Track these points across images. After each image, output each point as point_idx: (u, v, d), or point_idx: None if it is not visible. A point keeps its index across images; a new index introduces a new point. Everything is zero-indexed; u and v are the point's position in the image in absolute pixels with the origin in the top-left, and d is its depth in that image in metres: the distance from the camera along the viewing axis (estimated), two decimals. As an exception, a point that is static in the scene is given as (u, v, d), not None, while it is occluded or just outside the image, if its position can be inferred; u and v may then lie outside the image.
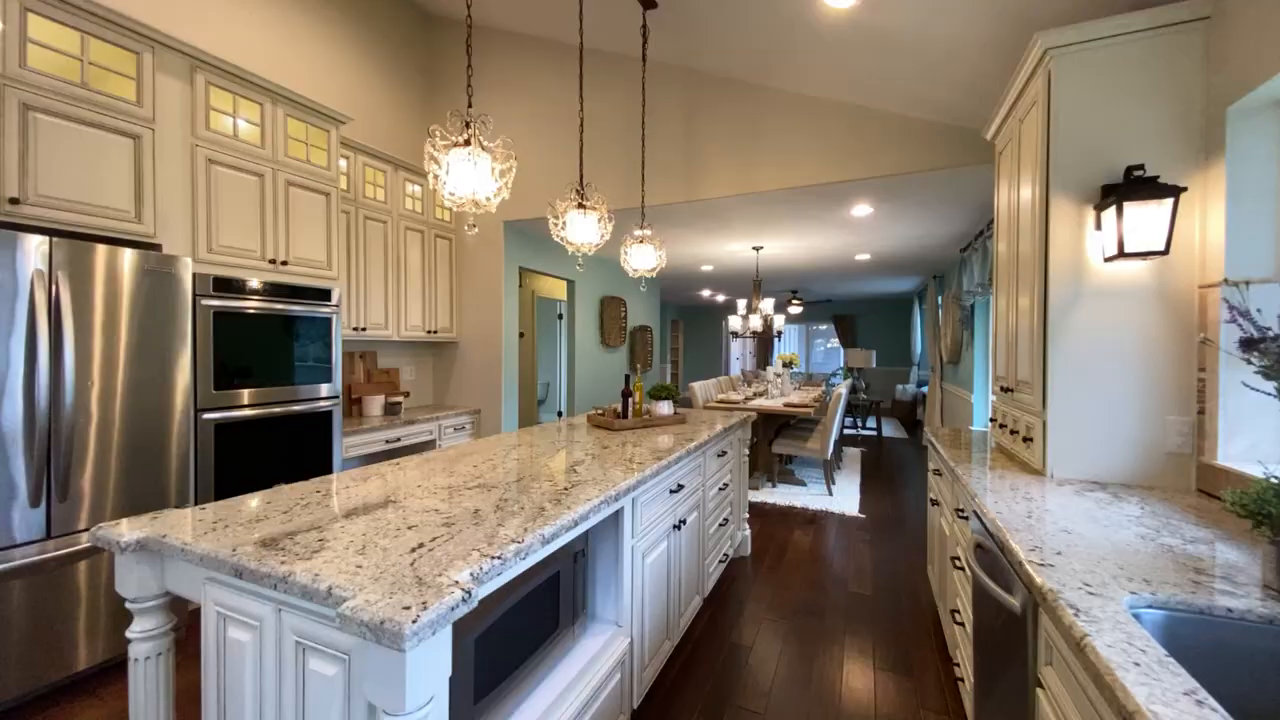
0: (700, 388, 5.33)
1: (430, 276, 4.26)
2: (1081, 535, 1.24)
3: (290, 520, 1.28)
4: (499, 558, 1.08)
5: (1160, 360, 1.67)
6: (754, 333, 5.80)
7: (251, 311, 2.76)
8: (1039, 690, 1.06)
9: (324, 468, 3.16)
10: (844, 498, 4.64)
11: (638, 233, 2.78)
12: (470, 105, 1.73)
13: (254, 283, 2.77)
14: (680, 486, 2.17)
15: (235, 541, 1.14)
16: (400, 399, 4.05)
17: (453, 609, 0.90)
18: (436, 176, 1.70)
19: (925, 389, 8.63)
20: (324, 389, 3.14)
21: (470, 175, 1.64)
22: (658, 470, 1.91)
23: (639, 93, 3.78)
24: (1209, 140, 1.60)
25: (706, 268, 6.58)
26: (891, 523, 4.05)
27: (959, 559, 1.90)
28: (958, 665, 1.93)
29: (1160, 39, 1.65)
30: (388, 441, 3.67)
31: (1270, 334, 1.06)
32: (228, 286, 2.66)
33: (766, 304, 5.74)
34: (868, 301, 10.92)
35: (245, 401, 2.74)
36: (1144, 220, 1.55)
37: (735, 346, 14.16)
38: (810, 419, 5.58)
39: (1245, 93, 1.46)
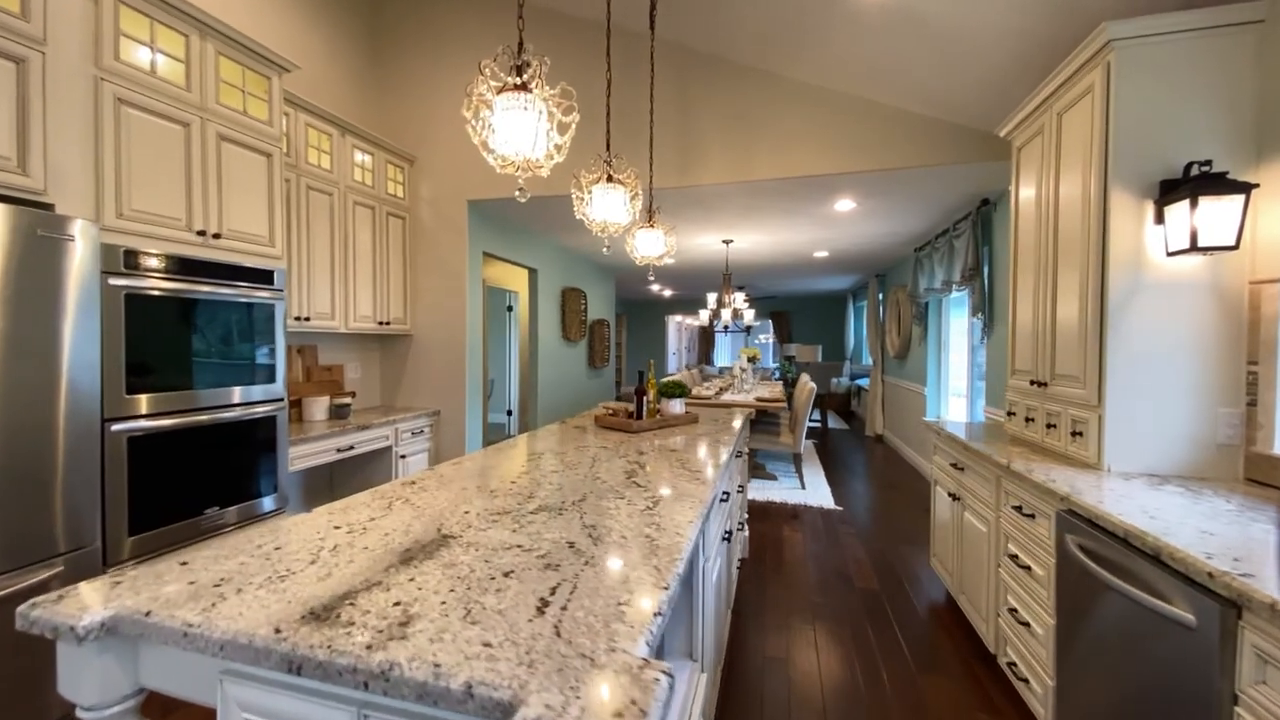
0: (671, 384, 5.18)
1: (382, 260, 3.74)
2: (1222, 535, 1.20)
3: (328, 573, 0.94)
4: (659, 614, 0.83)
5: (1212, 353, 1.72)
6: (725, 326, 5.73)
7: (175, 295, 2.20)
8: (1237, 709, 0.98)
9: (269, 485, 2.63)
10: (816, 491, 4.68)
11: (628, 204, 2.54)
12: (523, 39, 1.39)
13: (179, 259, 2.22)
14: (727, 495, 1.98)
15: (271, 615, 0.80)
16: (348, 400, 3.52)
17: (665, 703, 0.64)
18: (485, 125, 1.36)
19: (861, 382, 9.07)
20: (266, 391, 2.61)
21: (524, 129, 1.33)
22: (718, 478, 1.71)
23: (632, 70, 3.51)
24: (1261, 139, 1.65)
25: (667, 260, 6.42)
26: (868, 514, 4.12)
27: (1017, 557, 1.86)
28: (1013, 665, 1.90)
29: (1218, 39, 1.68)
30: (339, 450, 3.16)
31: None
32: (145, 263, 2.10)
33: (737, 298, 5.70)
34: (802, 299, 11.33)
35: (167, 408, 2.19)
36: (1217, 215, 1.57)
37: (672, 342, 14.21)
38: (776, 413, 5.61)
39: (1312, 94, 1.51)
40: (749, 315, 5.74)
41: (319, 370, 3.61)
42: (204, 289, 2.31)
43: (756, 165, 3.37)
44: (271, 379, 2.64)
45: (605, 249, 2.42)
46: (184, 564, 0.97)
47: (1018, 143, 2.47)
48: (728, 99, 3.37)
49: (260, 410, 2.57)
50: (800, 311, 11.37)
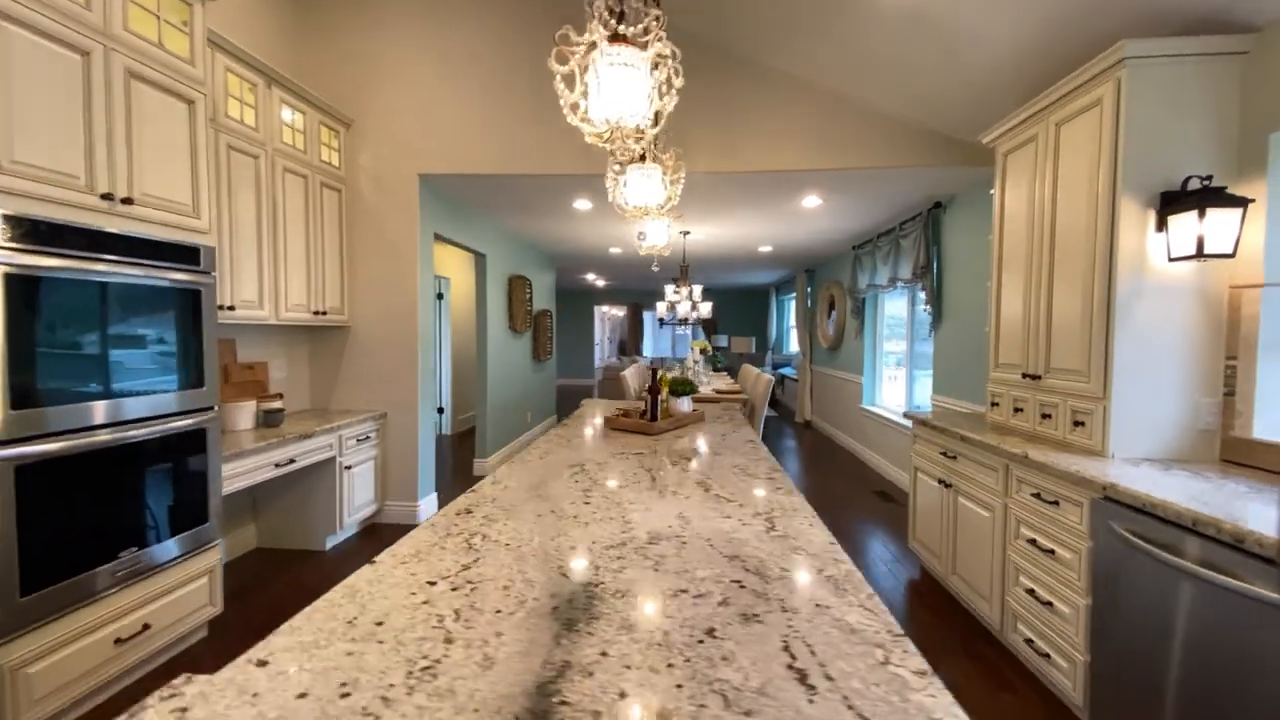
0: (631, 377, 5.03)
1: (316, 239, 3.20)
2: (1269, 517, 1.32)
3: (486, 658, 0.70)
4: (925, 672, 0.71)
5: (1197, 349, 1.92)
6: (684, 319, 5.68)
7: (74, 277, 1.68)
8: (1339, 681, 1.07)
9: (198, 515, 2.13)
10: (774, 480, 4.79)
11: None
12: None
13: (79, 230, 1.69)
14: (774, 497, 1.90)
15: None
16: (278, 405, 2.99)
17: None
18: (578, 85, 1.13)
19: (784, 371, 9.53)
20: (192, 398, 2.11)
21: (628, 88, 1.12)
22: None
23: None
24: (1243, 158, 1.86)
25: (615, 250, 6.24)
26: (826, 499, 4.30)
27: (1036, 541, 1.98)
28: (1030, 641, 2.03)
29: (1213, 64, 1.86)
30: (277, 466, 2.67)
31: None
32: (32, 233, 1.57)
33: (696, 290, 5.66)
34: (727, 291, 11.66)
35: (66, 425, 1.68)
36: (1220, 226, 1.74)
37: (597, 332, 14.02)
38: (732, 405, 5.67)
39: (1294, 122, 1.71)
40: (705, 308, 5.74)
41: (238, 369, 3.02)
42: (112, 269, 1.79)
43: (738, 157, 3.30)
44: (198, 382, 2.14)
45: (639, 235, 2.22)
46: (264, 664, 0.68)
47: (1003, 149, 2.62)
48: (715, 87, 3.27)
49: (185, 423, 2.07)
50: (725, 304, 11.69)
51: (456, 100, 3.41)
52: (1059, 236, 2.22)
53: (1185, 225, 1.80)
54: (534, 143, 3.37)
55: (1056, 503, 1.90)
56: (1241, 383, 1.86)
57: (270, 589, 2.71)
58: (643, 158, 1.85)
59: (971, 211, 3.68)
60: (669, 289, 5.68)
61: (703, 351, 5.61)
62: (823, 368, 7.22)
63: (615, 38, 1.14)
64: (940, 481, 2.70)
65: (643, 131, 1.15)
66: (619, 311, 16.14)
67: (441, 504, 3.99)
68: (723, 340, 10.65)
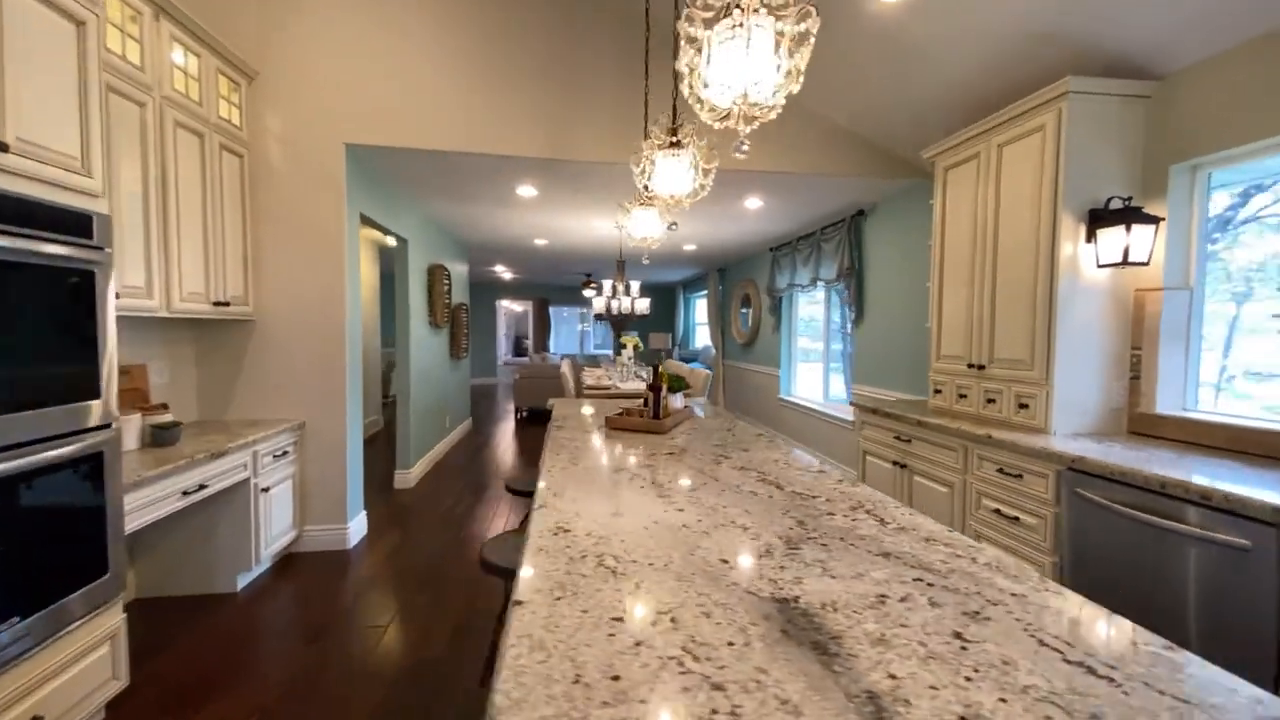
0: (569, 373, 4.83)
1: (215, 213, 2.63)
2: (1221, 477, 1.63)
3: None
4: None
5: (1112, 341, 2.31)
6: (624, 314, 5.56)
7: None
8: (1292, 603, 1.35)
9: (96, 565, 1.64)
10: (712, 472, 4.93)
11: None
12: None
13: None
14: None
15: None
16: (169, 418, 2.42)
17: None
18: (697, 54, 1.02)
19: (694, 365, 9.88)
20: (84, 414, 1.61)
21: (754, 54, 1.04)
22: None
23: (582, 28, 3.10)
24: (1148, 184, 2.27)
25: (540, 241, 5.95)
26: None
27: (1000, 510, 2.25)
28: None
29: (1127, 104, 2.24)
30: (185, 493, 2.15)
31: None
32: None
33: (634, 286, 5.58)
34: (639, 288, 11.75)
35: (-87, 459, 1.18)
36: (1140, 239, 2.11)
37: (501, 326, 13.38)
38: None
39: (1186, 158, 2.13)
40: (643, 305, 5.70)
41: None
42: (-30, 239, 1.29)
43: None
44: (91, 393, 1.64)
45: (671, 226, 2.10)
46: (533, 757, 0.52)
47: (944, 164, 2.93)
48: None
49: (73, 447, 1.58)
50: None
51: (397, 62, 3.00)
52: (1002, 244, 2.54)
53: (1113, 237, 2.15)
54: (490, 120, 3.08)
55: (1020, 476, 2.17)
56: (1145, 368, 2.27)
57: (178, 649, 2.17)
58: (675, 145, 1.76)
59: (891, 221, 4.08)
60: (606, 284, 5.56)
61: (635, 348, 5.59)
62: (736, 362, 7.59)
63: (717, 17, 1.05)
64: (895, 463, 2.96)
65: (770, 105, 1.07)
66: (518, 306, 15.54)
67: (372, 524, 3.52)
68: (633, 336, 10.73)
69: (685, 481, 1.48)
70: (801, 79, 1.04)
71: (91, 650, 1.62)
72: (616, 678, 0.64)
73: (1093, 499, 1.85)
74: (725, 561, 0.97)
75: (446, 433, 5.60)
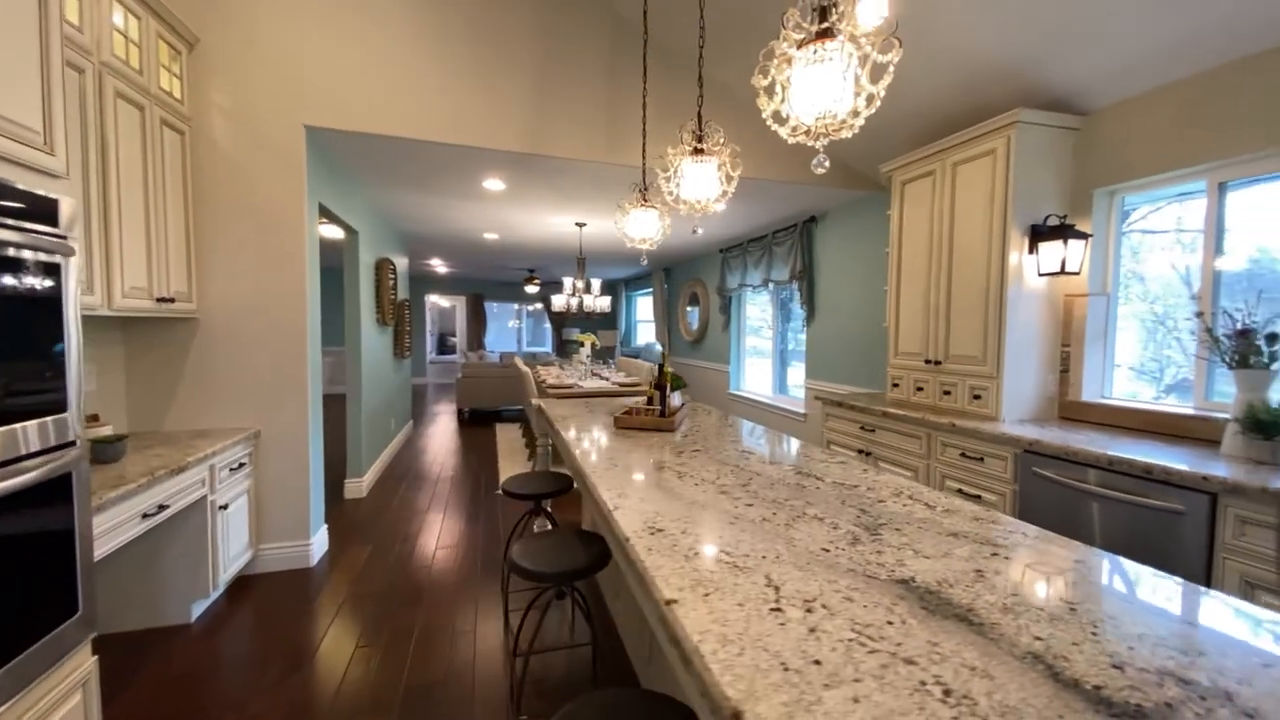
0: (531, 373, 4.72)
1: (157, 198, 2.33)
2: (1157, 456, 1.95)
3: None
4: (1195, 587, 0.93)
5: (1047, 340, 2.67)
6: (588, 313, 5.47)
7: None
8: (1223, 556, 1.66)
9: (65, 603, 1.43)
10: (672, 467, 5.05)
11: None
12: None
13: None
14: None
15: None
16: (107, 430, 2.14)
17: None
18: (780, 92, 1.08)
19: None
20: (48, 430, 1.40)
21: (829, 83, 1.11)
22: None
23: (554, 18, 3.05)
24: (1075, 205, 2.63)
25: (491, 235, 5.74)
26: (728, 480, 4.71)
27: (962, 490, 2.53)
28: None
29: (1060, 134, 2.59)
30: (145, 515, 1.91)
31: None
32: None
33: (594, 284, 5.51)
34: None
35: None
36: (1074, 252, 2.45)
37: (428, 323, 12.72)
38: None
39: (1106, 184, 2.50)
40: (604, 303, 5.67)
41: (31, 383, 2.03)
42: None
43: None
44: (57, 406, 1.43)
45: (695, 231, 2.12)
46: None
47: (901, 179, 3.21)
48: (662, 84, 3.29)
49: (41, 467, 1.36)
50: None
51: (368, 43, 2.79)
52: (956, 253, 2.83)
53: (1053, 250, 2.48)
54: (468, 110, 2.96)
55: (982, 459, 2.45)
56: (1073, 363, 2.64)
57: (137, 694, 1.92)
58: (698, 151, 1.82)
59: (841, 228, 4.39)
60: (567, 282, 5.49)
61: (593, 346, 5.56)
62: (685, 359, 7.78)
63: (806, 41, 1.13)
64: (860, 452, 3.22)
65: (848, 121, 1.16)
66: (445, 302, 14.87)
67: (333, 538, 3.27)
68: (574, 333, 10.63)
69: (730, 478, 1.54)
70: (878, 104, 1.13)
71: (62, 702, 1.40)
72: (818, 662, 0.70)
73: (1048, 476, 2.15)
74: (826, 550, 1.05)
75: (392, 436, 5.28)
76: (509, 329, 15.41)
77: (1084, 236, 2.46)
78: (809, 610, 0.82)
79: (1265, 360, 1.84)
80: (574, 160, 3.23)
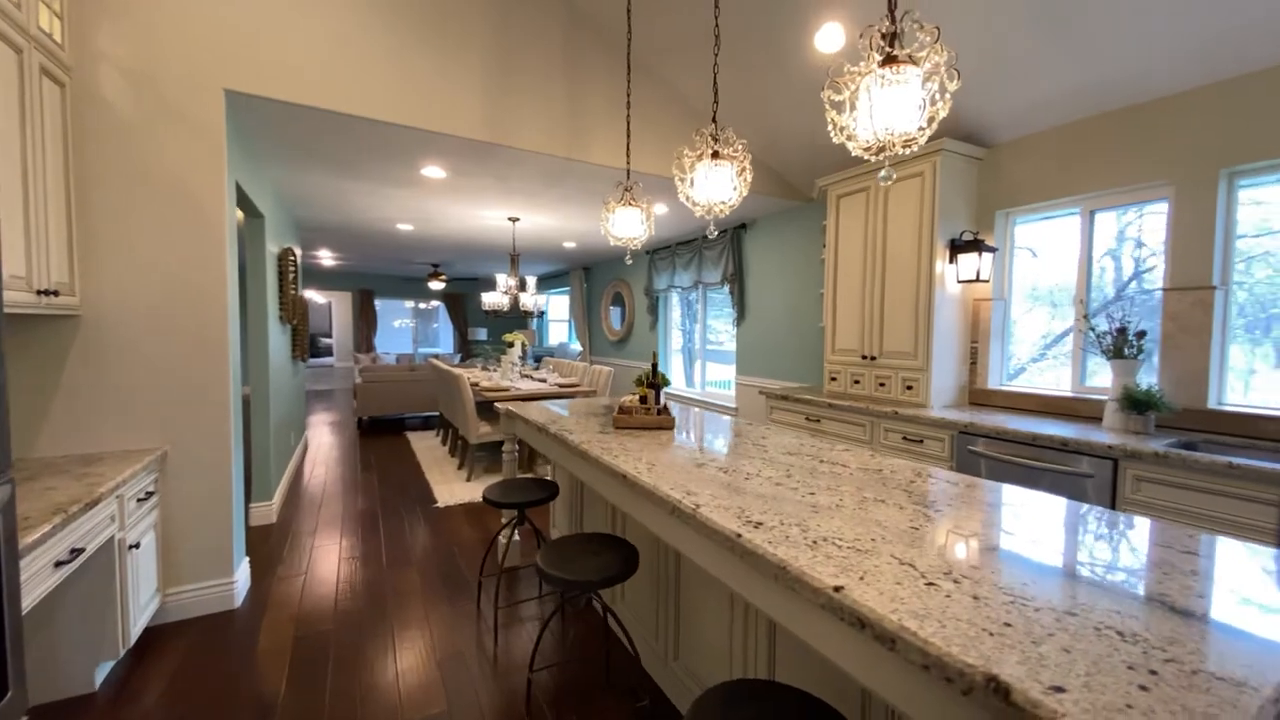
0: (465, 376, 4.42)
1: (36, 165, 1.86)
2: (1062, 432, 2.38)
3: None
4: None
5: (961, 337, 3.13)
6: (527, 311, 5.17)
7: None
8: (1125, 510, 2.09)
9: None
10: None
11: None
12: (894, 5, 1.21)
13: None
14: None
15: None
16: None
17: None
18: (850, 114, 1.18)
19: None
20: (-34, 462, 1.08)
21: (902, 103, 1.24)
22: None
23: (527, 21, 2.90)
24: (981, 223, 3.11)
25: (405, 226, 5.26)
26: (668, 476, 4.83)
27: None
28: (900, 540, 2.93)
29: (970, 163, 3.05)
30: (59, 564, 1.53)
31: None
32: None
33: (530, 281, 5.24)
34: (483, 283, 11.08)
35: None
36: (985, 263, 2.90)
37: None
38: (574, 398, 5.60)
39: (1001, 208, 3.00)
40: (539, 301, 5.44)
41: None
42: None
43: (635, 156, 3.43)
44: (-28, 431, 1.10)
45: (710, 233, 2.10)
46: (1061, 688, 0.64)
47: (836, 192, 3.55)
48: (619, 84, 3.28)
49: (-44, 513, 1.05)
50: (474, 295, 11.07)
51: (308, 3, 2.44)
52: (889, 261, 3.21)
53: (970, 261, 2.91)
54: (427, 90, 2.72)
55: (922, 441, 2.81)
56: (980, 356, 3.13)
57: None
58: (715, 155, 1.87)
59: (769, 236, 4.71)
60: (500, 278, 5.20)
61: (524, 345, 5.37)
62: (608, 358, 7.78)
63: (888, 60, 1.25)
64: (806, 442, 3.50)
65: (914, 136, 1.29)
66: (320, 298, 13.36)
67: (255, 573, 2.81)
68: (482, 334, 10.12)
69: (773, 470, 1.62)
70: (935, 125, 1.28)
71: (-5, 815, 1.08)
72: (1008, 624, 0.79)
73: (980, 453, 2.53)
74: (915, 529, 1.17)
75: (293, 449, 4.66)
76: (393, 329, 14.24)
77: (993, 250, 2.93)
78: (955, 582, 0.92)
79: (1134, 352, 2.35)
80: (533, 153, 3.11)
